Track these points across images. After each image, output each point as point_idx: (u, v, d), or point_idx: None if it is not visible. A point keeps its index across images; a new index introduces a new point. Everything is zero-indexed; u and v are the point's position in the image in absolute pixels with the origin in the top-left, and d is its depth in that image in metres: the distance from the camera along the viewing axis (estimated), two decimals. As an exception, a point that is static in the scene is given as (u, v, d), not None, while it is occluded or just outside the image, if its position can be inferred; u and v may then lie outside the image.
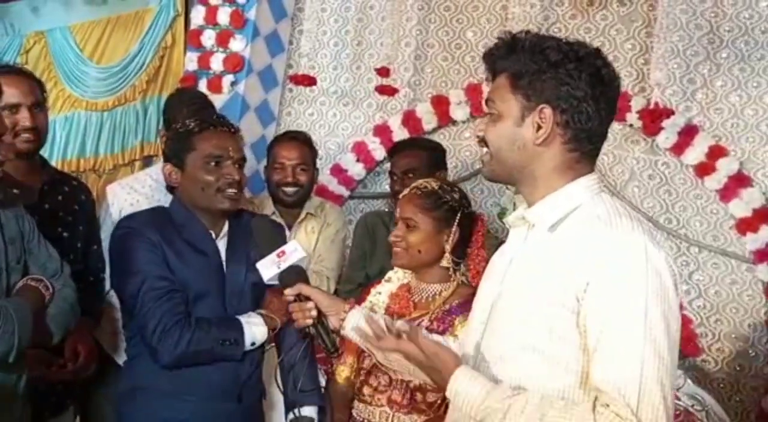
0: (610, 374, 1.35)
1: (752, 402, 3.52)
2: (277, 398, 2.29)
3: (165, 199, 2.94)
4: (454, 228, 2.14)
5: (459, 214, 2.15)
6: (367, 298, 2.27)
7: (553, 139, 1.48)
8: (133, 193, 2.98)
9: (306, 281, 1.87)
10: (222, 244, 2.19)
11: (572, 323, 1.40)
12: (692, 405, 2.59)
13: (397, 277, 2.28)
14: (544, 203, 1.51)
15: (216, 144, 2.12)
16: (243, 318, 2.12)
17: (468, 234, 2.19)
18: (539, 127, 1.48)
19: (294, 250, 1.89)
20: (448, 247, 2.13)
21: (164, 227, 2.12)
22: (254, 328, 2.11)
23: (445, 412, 1.95)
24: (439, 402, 2.07)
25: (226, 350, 2.07)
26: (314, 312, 1.82)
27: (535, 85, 1.48)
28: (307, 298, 1.83)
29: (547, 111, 1.47)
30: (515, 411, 1.38)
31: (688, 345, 3.50)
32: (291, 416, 2.21)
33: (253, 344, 2.11)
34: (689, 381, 2.65)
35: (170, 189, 2.22)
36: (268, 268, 1.88)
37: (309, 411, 2.21)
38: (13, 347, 1.84)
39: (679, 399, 2.57)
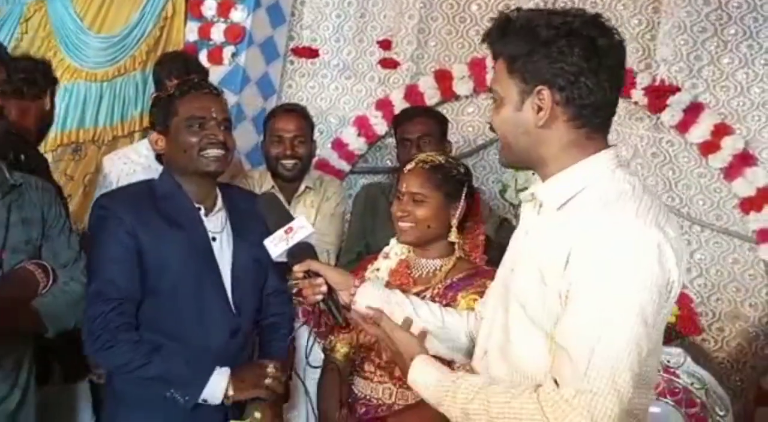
0: (567, 340, 1.34)
1: (752, 381, 3.52)
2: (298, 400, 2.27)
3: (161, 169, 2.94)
4: (461, 203, 2.12)
5: (465, 188, 2.14)
6: (363, 275, 2.21)
7: (555, 120, 1.44)
8: (129, 163, 2.97)
9: (315, 257, 1.84)
10: (215, 220, 2.13)
11: (559, 304, 1.38)
12: (692, 384, 2.58)
13: (394, 253, 2.25)
14: (553, 181, 1.48)
15: (198, 106, 2.06)
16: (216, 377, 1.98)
17: (470, 209, 2.17)
18: (539, 109, 1.44)
19: (302, 226, 1.85)
20: (455, 222, 2.12)
21: (142, 205, 2.06)
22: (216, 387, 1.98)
23: None
24: None
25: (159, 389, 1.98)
26: (324, 288, 1.79)
27: (529, 67, 1.43)
28: (317, 274, 1.81)
29: (545, 92, 1.42)
30: (461, 397, 1.43)
31: (688, 324, 3.49)
32: None
33: (204, 400, 1.99)
34: (689, 359, 2.64)
35: (159, 158, 2.18)
36: (276, 245, 1.84)
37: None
38: None
39: (678, 377, 2.57)
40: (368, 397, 2.13)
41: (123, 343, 1.96)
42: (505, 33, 1.46)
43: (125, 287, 1.99)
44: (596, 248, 1.34)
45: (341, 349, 2.24)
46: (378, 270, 2.22)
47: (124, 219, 2.00)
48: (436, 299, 2.07)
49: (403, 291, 2.09)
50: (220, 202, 2.16)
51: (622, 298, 1.31)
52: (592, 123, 1.45)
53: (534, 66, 1.42)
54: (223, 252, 2.11)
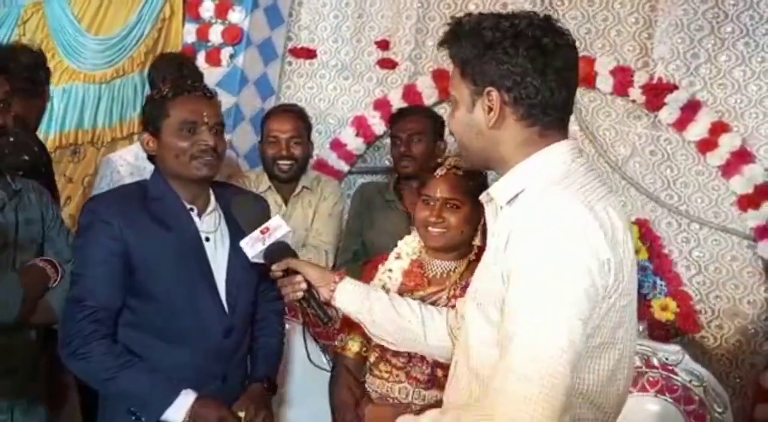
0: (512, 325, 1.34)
1: (751, 378, 3.52)
2: (289, 395, 2.26)
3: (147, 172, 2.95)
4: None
5: None
6: (376, 276, 2.21)
7: (506, 120, 1.47)
8: (125, 165, 2.98)
9: (293, 255, 1.85)
10: (209, 220, 2.11)
11: (502, 285, 1.40)
12: (690, 381, 2.58)
13: (406, 253, 2.23)
14: (506, 177, 1.51)
15: (190, 109, 2.03)
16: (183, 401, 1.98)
17: None
18: (489, 110, 1.47)
19: (278, 226, 1.86)
20: (480, 227, 2.08)
21: (132, 206, 2.03)
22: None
23: None
24: None
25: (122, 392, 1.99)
26: (304, 285, 1.81)
27: (478, 69, 1.47)
28: (296, 272, 1.83)
29: (494, 93, 1.46)
30: None
31: (687, 322, 3.50)
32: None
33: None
34: (688, 357, 2.63)
35: (151, 159, 2.14)
36: (252, 246, 1.85)
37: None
38: None
39: (677, 375, 2.57)
40: (384, 397, 2.12)
41: (92, 354, 1.95)
42: (456, 37, 1.51)
43: (103, 295, 1.98)
44: (527, 233, 1.37)
45: (353, 348, 2.20)
46: (390, 270, 2.20)
47: (111, 222, 1.98)
48: (452, 300, 2.05)
49: (417, 291, 2.10)
50: (213, 202, 2.13)
51: (552, 284, 1.32)
52: (542, 121, 1.47)
53: (482, 68, 1.46)
54: (217, 252, 2.10)
